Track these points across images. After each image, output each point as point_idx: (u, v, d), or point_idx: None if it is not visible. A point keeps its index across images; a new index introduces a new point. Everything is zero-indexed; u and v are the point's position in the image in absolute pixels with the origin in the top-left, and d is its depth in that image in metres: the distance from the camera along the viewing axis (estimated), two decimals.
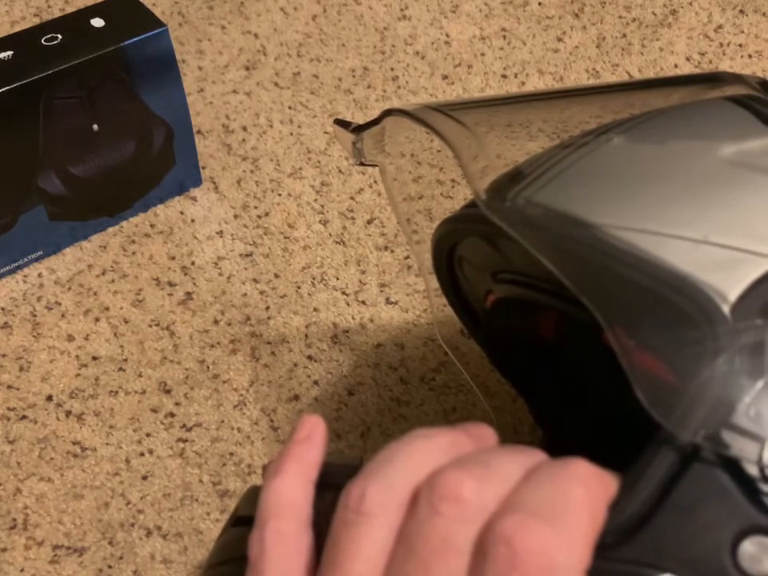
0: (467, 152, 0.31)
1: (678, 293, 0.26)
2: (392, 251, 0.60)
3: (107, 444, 0.50)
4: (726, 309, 0.26)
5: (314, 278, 0.58)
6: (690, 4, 0.79)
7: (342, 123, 0.41)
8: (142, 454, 0.50)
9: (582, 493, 0.24)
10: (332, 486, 0.27)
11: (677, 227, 0.28)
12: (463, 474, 0.24)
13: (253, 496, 0.31)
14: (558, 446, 0.28)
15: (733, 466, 0.24)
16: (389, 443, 0.27)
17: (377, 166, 0.43)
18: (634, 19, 0.78)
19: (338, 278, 0.58)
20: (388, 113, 0.38)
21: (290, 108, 0.70)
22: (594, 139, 0.33)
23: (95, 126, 0.56)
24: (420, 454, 0.26)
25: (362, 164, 0.42)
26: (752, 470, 0.24)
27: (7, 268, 0.58)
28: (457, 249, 0.44)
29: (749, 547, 0.24)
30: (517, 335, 0.44)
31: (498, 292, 0.44)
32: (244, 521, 0.31)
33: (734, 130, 0.31)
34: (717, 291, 0.26)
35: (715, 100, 0.34)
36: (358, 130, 0.40)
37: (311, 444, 0.28)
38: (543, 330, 0.43)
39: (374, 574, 0.24)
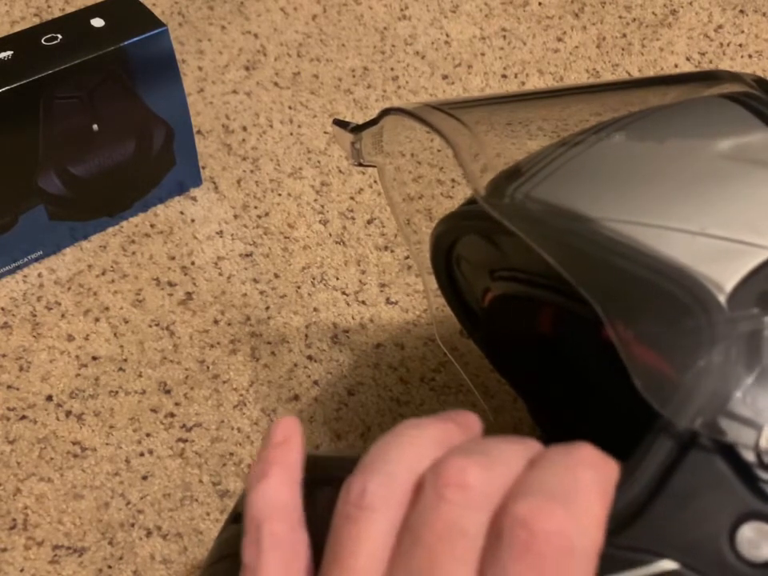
0: (467, 150, 0.32)
1: (675, 284, 0.26)
2: (392, 251, 0.60)
3: (107, 444, 0.50)
4: (722, 299, 0.26)
5: (313, 278, 0.58)
6: (690, 4, 0.79)
7: (340, 123, 0.41)
8: (142, 454, 0.50)
9: (592, 476, 0.24)
10: (330, 480, 0.27)
11: (674, 220, 0.28)
12: (468, 462, 0.24)
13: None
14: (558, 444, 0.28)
15: (730, 453, 0.25)
16: (381, 436, 0.27)
17: (375, 166, 0.43)
18: (634, 19, 0.78)
19: (337, 278, 0.58)
20: (386, 112, 0.38)
21: (290, 108, 0.70)
22: (592, 136, 0.33)
23: (95, 126, 0.56)
24: (415, 447, 0.26)
25: (360, 165, 0.42)
26: (749, 456, 0.24)
27: (7, 268, 0.58)
28: (455, 247, 0.44)
29: (747, 533, 0.24)
30: (515, 332, 0.45)
31: (495, 289, 0.44)
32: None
33: (730, 127, 0.32)
34: (713, 282, 0.26)
35: (712, 97, 0.34)
36: (357, 130, 0.40)
37: (290, 446, 0.28)
38: (541, 326, 0.43)
39: (376, 569, 0.24)
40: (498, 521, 0.23)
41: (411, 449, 0.26)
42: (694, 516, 0.24)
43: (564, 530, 0.23)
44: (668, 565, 0.24)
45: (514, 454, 0.25)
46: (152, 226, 0.61)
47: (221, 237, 0.60)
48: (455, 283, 0.46)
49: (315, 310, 0.56)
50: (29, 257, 0.58)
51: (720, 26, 0.77)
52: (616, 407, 0.27)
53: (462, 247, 0.44)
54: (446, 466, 0.24)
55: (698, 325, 0.26)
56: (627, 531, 0.25)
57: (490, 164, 0.32)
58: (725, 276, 0.26)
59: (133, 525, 0.47)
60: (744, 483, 0.24)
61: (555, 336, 0.43)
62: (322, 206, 0.62)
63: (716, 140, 0.31)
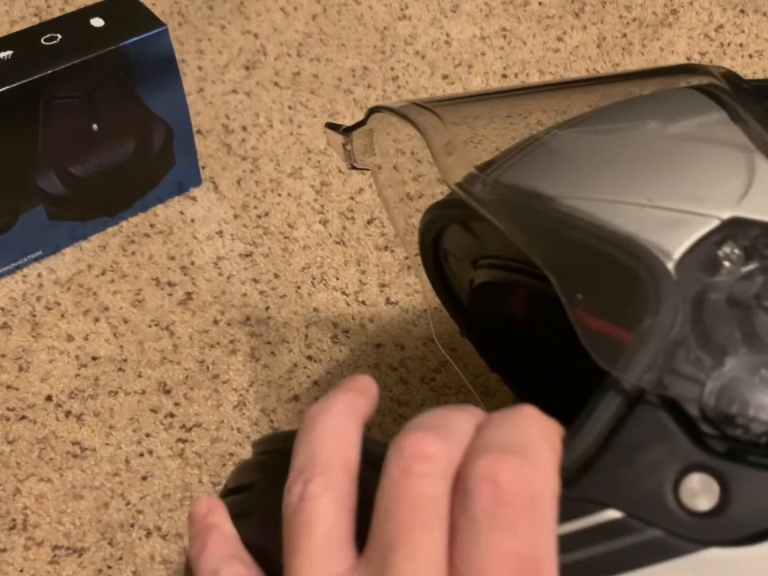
0: (440, 143, 0.34)
1: (624, 252, 0.28)
2: (392, 251, 0.59)
3: (107, 444, 0.50)
4: (670, 265, 0.27)
5: (313, 278, 0.58)
6: (691, 4, 0.79)
7: (333, 126, 0.41)
8: (142, 455, 0.49)
9: (539, 429, 0.25)
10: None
11: (625, 194, 0.29)
12: (426, 434, 0.25)
13: (240, 468, 0.31)
14: None
15: (675, 408, 0.26)
16: (297, 435, 0.27)
17: (369, 170, 0.43)
18: (635, 19, 0.78)
19: (337, 278, 0.58)
20: (373, 111, 0.39)
21: (289, 108, 0.69)
22: (559, 128, 0.35)
23: (95, 126, 0.56)
24: (330, 431, 0.27)
25: (353, 167, 0.42)
26: (693, 410, 0.26)
27: (7, 268, 0.58)
28: (441, 241, 0.44)
29: (690, 484, 0.25)
30: (497, 321, 0.46)
31: (477, 279, 0.45)
32: (233, 491, 0.31)
33: (688, 112, 0.33)
34: (661, 249, 0.27)
35: (678, 88, 0.35)
36: (347, 131, 0.41)
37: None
38: (517, 310, 0.44)
39: (333, 548, 0.25)
40: (462, 481, 0.24)
41: (335, 432, 0.27)
42: (640, 468, 0.25)
43: (526, 478, 0.24)
44: (613, 514, 0.25)
45: (464, 420, 0.26)
46: (152, 225, 0.61)
47: (221, 237, 0.60)
48: (446, 280, 0.47)
49: (315, 310, 0.56)
50: (28, 257, 0.58)
51: (720, 26, 0.77)
52: (590, 385, 0.28)
53: (446, 241, 0.44)
54: (406, 441, 0.25)
55: (646, 289, 0.27)
56: (576, 484, 0.25)
57: (462, 156, 0.33)
58: (672, 244, 0.28)
59: (132, 525, 0.47)
60: (688, 436, 0.25)
61: (531, 319, 0.44)
62: (322, 206, 0.62)
63: (673, 123, 0.33)
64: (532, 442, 0.25)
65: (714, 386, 0.26)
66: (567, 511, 0.25)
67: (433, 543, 0.24)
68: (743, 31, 0.77)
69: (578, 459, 0.26)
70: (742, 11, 0.79)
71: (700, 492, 0.25)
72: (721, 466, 0.25)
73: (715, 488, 0.25)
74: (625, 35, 0.77)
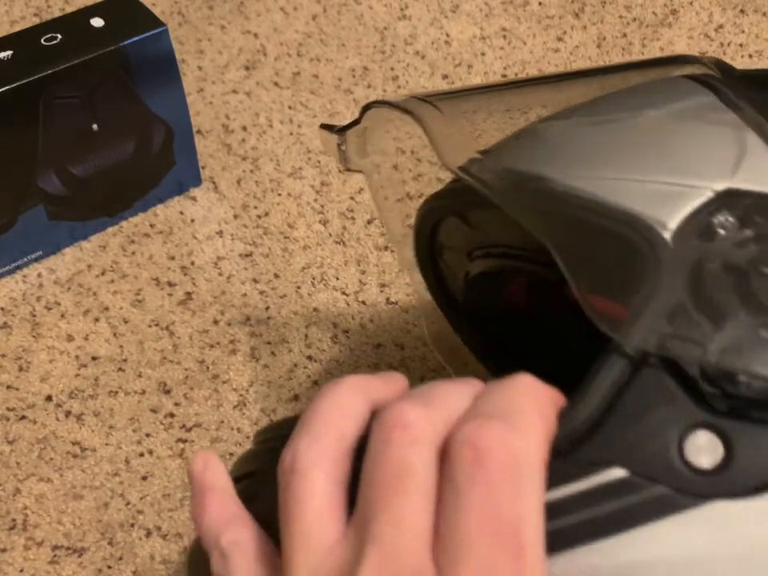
0: (438, 131, 0.35)
1: (623, 225, 0.29)
2: (392, 251, 0.59)
3: (107, 444, 0.50)
4: (667, 236, 0.28)
5: (313, 278, 0.58)
6: (691, 4, 0.79)
7: (327, 127, 0.41)
8: (142, 455, 0.49)
9: (531, 397, 0.26)
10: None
11: (621, 172, 0.30)
12: (408, 403, 0.25)
13: (242, 458, 0.32)
14: None
15: (678, 370, 0.26)
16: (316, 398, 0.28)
17: (362, 172, 0.43)
18: (635, 19, 0.78)
19: (337, 278, 0.58)
20: (367, 107, 0.39)
21: (289, 108, 0.69)
22: (554, 117, 0.36)
23: (95, 126, 0.56)
24: (335, 401, 0.27)
25: (348, 169, 0.42)
26: (695, 371, 0.26)
27: (6, 268, 0.58)
28: (437, 236, 0.45)
29: (694, 442, 0.26)
30: (493, 310, 0.46)
31: (473, 270, 0.45)
32: (236, 480, 0.31)
33: (679, 96, 0.34)
34: (658, 221, 0.28)
35: (671, 77, 0.36)
36: (342, 130, 0.41)
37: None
38: (515, 297, 0.45)
39: (326, 522, 0.25)
40: (446, 449, 0.24)
41: (332, 405, 0.27)
42: (644, 429, 0.26)
43: (507, 443, 0.24)
44: (618, 472, 0.26)
45: (456, 391, 0.26)
46: (152, 225, 0.61)
47: (221, 237, 0.60)
48: (440, 276, 0.48)
49: (315, 310, 0.56)
50: (28, 257, 0.58)
51: (720, 26, 0.77)
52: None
53: (442, 234, 0.45)
54: (388, 411, 0.25)
55: (644, 259, 0.28)
56: (581, 447, 0.26)
57: (461, 141, 0.34)
58: (669, 216, 0.28)
59: (132, 525, 0.47)
60: (691, 397, 0.26)
61: (528, 306, 0.45)
62: (322, 206, 0.62)
63: (666, 107, 0.34)
64: (519, 409, 0.25)
65: (715, 347, 0.26)
66: (573, 472, 0.25)
67: (413, 509, 0.24)
68: (743, 31, 0.77)
69: (582, 424, 0.26)
70: (742, 11, 0.79)
71: (704, 450, 0.26)
72: (724, 424, 0.26)
73: (719, 445, 0.26)
74: (625, 35, 0.77)
